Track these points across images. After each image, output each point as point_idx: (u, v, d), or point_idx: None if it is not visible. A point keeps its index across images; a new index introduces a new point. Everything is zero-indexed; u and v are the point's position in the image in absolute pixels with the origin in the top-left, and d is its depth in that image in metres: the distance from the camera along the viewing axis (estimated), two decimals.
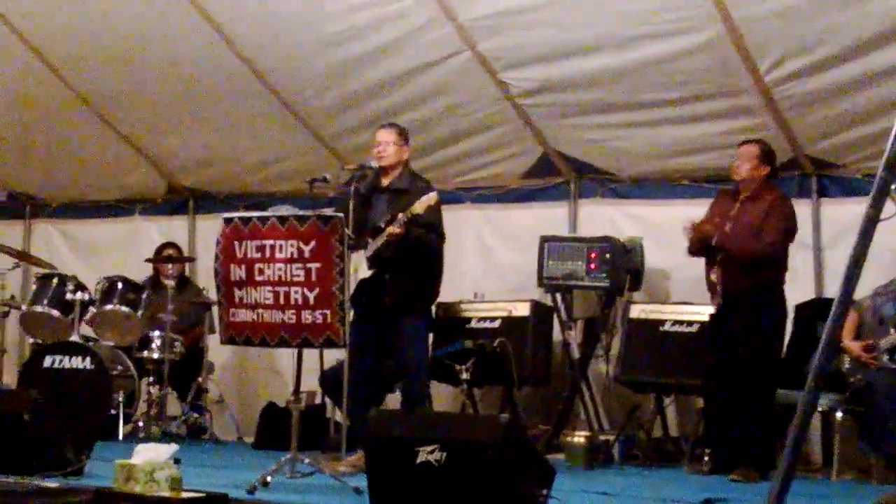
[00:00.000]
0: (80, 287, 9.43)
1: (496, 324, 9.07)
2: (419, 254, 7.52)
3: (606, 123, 9.00)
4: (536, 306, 9.13)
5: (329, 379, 8.68)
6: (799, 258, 8.25)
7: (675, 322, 8.63)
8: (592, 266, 8.78)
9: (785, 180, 8.72)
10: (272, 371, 10.38)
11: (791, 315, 8.11)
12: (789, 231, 7.66)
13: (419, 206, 7.19)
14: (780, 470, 3.63)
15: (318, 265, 6.30)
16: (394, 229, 7.24)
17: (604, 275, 8.77)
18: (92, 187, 11.43)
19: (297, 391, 6.72)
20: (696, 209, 8.13)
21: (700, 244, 7.69)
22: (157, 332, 9.52)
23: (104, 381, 8.91)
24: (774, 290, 7.60)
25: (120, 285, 9.48)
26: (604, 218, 9.57)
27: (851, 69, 7.79)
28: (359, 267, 7.40)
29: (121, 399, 9.02)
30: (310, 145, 9.98)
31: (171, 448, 5.72)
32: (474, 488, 5.10)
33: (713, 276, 7.63)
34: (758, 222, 7.52)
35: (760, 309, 7.53)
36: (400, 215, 7.25)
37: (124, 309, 9.40)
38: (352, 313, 6.72)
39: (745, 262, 7.48)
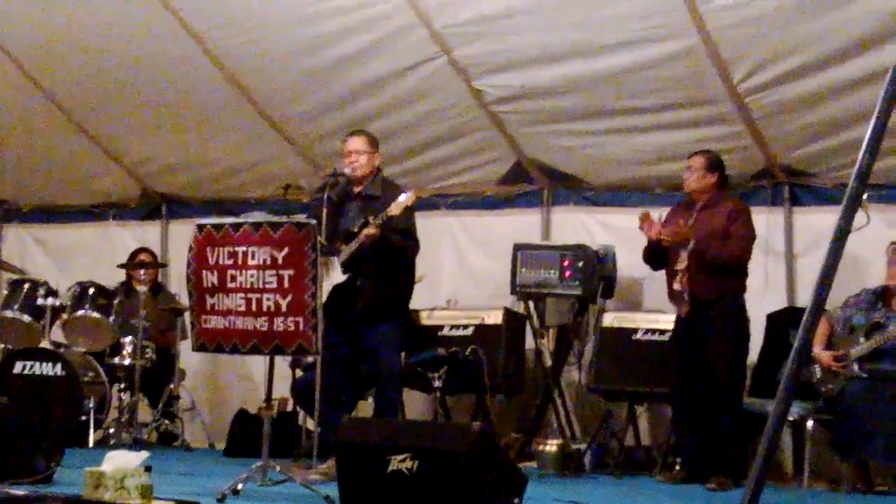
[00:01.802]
0: (52, 292, 9.38)
1: (469, 331, 9.05)
2: (394, 259, 7.51)
3: (580, 131, 9.01)
4: (509, 314, 9.11)
5: (301, 389, 8.66)
6: (771, 267, 8.29)
7: (648, 330, 8.63)
8: (565, 274, 8.78)
9: (758, 189, 8.78)
10: (244, 378, 10.36)
11: (763, 324, 8.14)
12: (752, 239, 7.73)
13: (395, 208, 7.20)
14: (751, 479, 3.62)
15: (290, 272, 6.27)
16: (369, 231, 7.24)
17: (576, 282, 8.78)
18: (65, 192, 11.38)
19: (268, 398, 6.69)
20: None
21: (668, 247, 7.71)
22: (128, 339, 9.47)
23: (75, 388, 8.86)
24: (738, 297, 7.67)
25: (91, 291, 9.44)
26: (577, 225, 9.60)
27: (824, 79, 7.82)
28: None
29: (91, 405, 8.99)
30: (284, 151, 9.96)
31: (141, 455, 5.69)
32: (446, 497, 5.09)
33: (677, 286, 7.67)
34: (718, 229, 7.59)
35: (725, 317, 7.58)
36: (371, 219, 7.25)
37: (95, 315, 9.36)
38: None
39: (712, 269, 7.50)
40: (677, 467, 7.84)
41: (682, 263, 7.61)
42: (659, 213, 7.87)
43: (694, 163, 7.81)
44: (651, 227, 7.74)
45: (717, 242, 7.55)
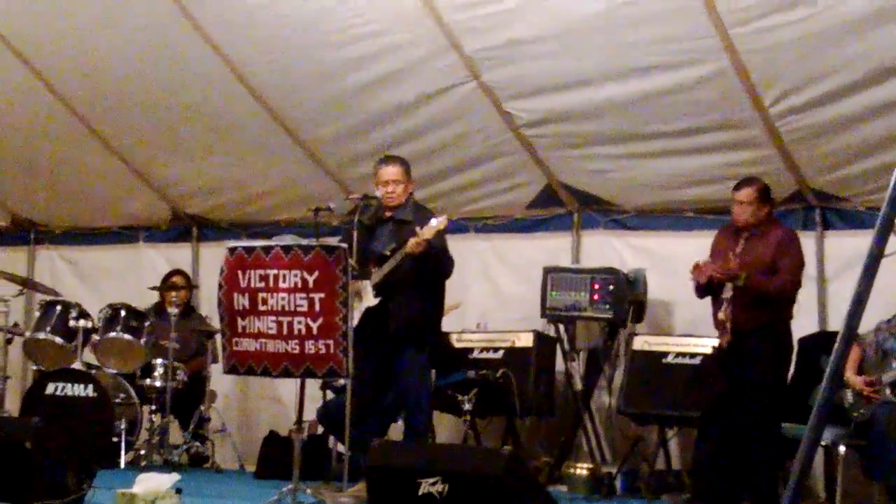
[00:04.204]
0: (84, 314, 9.43)
1: (499, 354, 9.06)
2: (426, 283, 7.50)
3: (610, 154, 9.00)
4: (539, 337, 9.11)
5: (329, 412, 8.66)
6: (803, 291, 8.20)
7: (679, 354, 8.60)
8: (595, 297, 8.77)
9: (789, 213, 8.73)
10: (274, 400, 10.37)
11: (795, 348, 8.09)
12: (802, 268, 7.62)
13: (427, 232, 7.17)
14: (784, 503, 3.61)
15: (321, 295, 6.30)
16: (416, 240, 7.18)
17: (607, 306, 8.77)
18: (96, 214, 11.44)
19: (299, 421, 6.71)
20: (700, 241, 8.13)
21: (720, 284, 7.60)
22: (159, 360, 9.51)
23: (106, 409, 8.90)
24: (783, 326, 7.57)
25: (123, 313, 9.48)
26: (607, 249, 9.57)
27: (855, 103, 7.79)
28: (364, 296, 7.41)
29: (123, 427, 9.01)
30: (314, 174, 9.99)
31: (172, 477, 5.72)
32: None
33: (721, 315, 7.57)
34: (768, 259, 7.46)
35: (768, 344, 7.48)
36: (411, 240, 7.21)
37: (127, 336, 9.39)
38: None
39: (755, 299, 7.42)
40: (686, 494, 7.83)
41: (727, 293, 7.53)
42: (704, 259, 7.72)
43: (745, 196, 7.52)
44: (701, 274, 7.61)
45: (763, 276, 7.45)
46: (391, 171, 7.66)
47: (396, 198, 7.61)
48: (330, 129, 9.52)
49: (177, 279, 10.31)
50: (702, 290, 7.73)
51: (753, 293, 7.39)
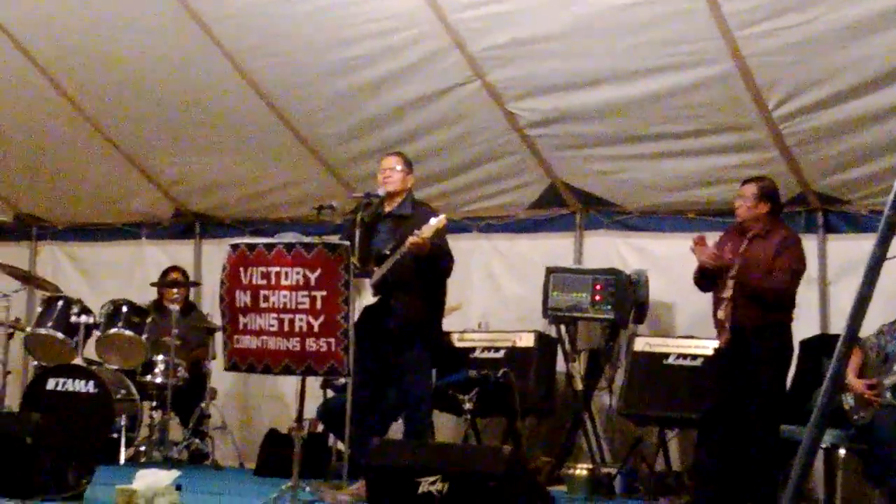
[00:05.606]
0: (85, 310, 9.44)
1: (500, 354, 9.06)
2: (427, 281, 7.50)
3: (614, 155, 9.00)
4: (541, 337, 9.11)
5: (330, 410, 8.66)
6: (805, 294, 8.22)
7: (680, 356, 8.60)
8: (597, 298, 8.76)
9: (792, 215, 8.71)
10: (274, 397, 10.36)
11: (796, 350, 8.09)
12: (799, 272, 7.59)
13: (426, 231, 7.17)
14: None
15: (323, 293, 6.31)
16: (415, 240, 7.19)
17: (609, 307, 8.75)
18: (98, 210, 11.43)
19: (299, 418, 6.71)
20: None
21: (714, 272, 7.58)
22: (160, 357, 9.51)
23: (107, 405, 8.91)
24: (782, 327, 7.55)
25: (125, 309, 9.49)
26: (609, 250, 9.57)
27: (859, 106, 7.79)
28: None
29: (123, 423, 9.03)
30: (317, 172, 9.99)
31: (172, 474, 5.73)
32: None
33: (721, 314, 7.57)
34: (767, 260, 7.45)
35: (768, 346, 7.47)
36: (409, 239, 7.20)
37: (128, 332, 9.40)
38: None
39: (754, 299, 7.42)
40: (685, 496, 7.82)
41: (727, 292, 7.52)
42: (715, 241, 7.72)
43: (745, 191, 7.61)
44: (703, 252, 7.60)
45: (760, 274, 7.45)
46: (388, 160, 7.80)
47: (392, 183, 7.65)
48: (334, 128, 9.51)
49: (175, 275, 10.31)
50: (702, 283, 7.73)
51: (749, 290, 7.39)
